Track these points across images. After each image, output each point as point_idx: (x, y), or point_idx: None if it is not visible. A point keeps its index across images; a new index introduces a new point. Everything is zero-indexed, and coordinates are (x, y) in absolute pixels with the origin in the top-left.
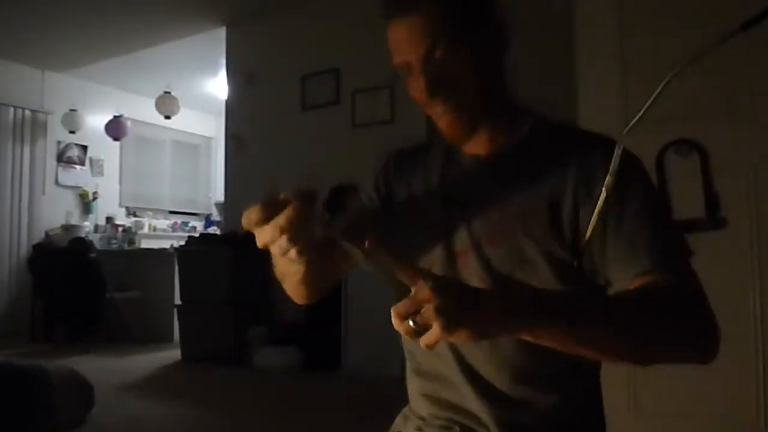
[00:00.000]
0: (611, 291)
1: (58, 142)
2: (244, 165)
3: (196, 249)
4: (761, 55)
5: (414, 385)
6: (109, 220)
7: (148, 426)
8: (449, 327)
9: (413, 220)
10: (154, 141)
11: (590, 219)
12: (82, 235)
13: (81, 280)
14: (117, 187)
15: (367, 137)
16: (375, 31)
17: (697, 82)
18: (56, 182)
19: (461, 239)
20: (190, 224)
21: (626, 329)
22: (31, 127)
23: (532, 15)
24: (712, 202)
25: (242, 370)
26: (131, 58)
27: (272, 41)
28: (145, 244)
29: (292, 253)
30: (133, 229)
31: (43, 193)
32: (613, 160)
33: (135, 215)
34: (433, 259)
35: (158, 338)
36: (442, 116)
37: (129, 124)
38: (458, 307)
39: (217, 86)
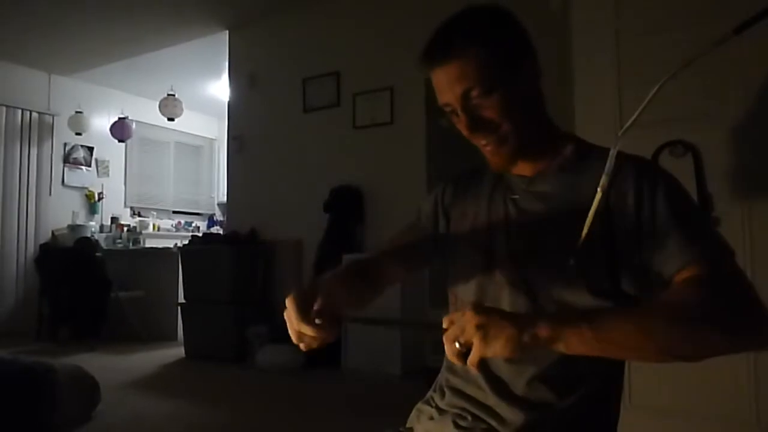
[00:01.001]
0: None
1: (65, 144)
2: (246, 166)
3: (199, 248)
4: (754, 57)
5: (442, 378)
6: (114, 220)
7: (151, 422)
8: (487, 340)
9: (463, 240)
10: (158, 142)
11: (630, 234)
12: (88, 234)
13: (86, 279)
14: (122, 187)
15: (367, 139)
16: (375, 35)
17: (691, 84)
18: (63, 183)
19: (501, 250)
20: (193, 224)
21: (654, 326)
22: (38, 129)
23: (528, 16)
24: (705, 202)
25: (244, 369)
26: (136, 61)
27: (274, 44)
28: (149, 243)
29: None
30: (138, 229)
31: (50, 193)
32: (609, 160)
33: (139, 215)
34: (474, 268)
35: (162, 337)
36: (485, 148)
37: (133, 126)
38: (494, 323)
39: (220, 89)
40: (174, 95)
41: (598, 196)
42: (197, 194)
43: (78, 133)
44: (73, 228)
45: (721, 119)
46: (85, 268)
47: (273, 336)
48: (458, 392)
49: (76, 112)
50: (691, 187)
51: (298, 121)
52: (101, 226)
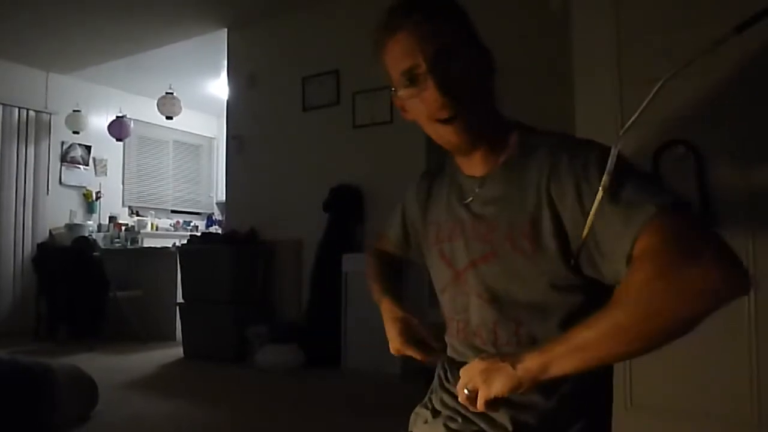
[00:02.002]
0: (616, 280)
1: (62, 143)
2: (245, 165)
3: (197, 248)
4: (755, 56)
5: (437, 381)
6: (112, 219)
7: (150, 423)
8: (488, 383)
9: (430, 244)
10: (156, 141)
11: (577, 221)
12: (86, 234)
13: (84, 279)
14: (120, 186)
15: (367, 138)
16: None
17: (692, 84)
18: (60, 182)
19: (461, 259)
20: (192, 223)
21: (629, 323)
22: (36, 127)
23: (528, 16)
24: (706, 201)
25: (243, 368)
26: (134, 59)
27: (273, 43)
28: (147, 243)
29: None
30: (136, 228)
31: (48, 192)
32: (609, 159)
33: (138, 214)
34: (444, 279)
35: (160, 336)
36: (448, 124)
37: (132, 124)
38: (494, 366)
39: (219, 87)
40: (173, 94)
41: (599, 195)
42: (196, 193)
43: (76, 132)
44: (71, 227)
45: (721, 119)
46: (83, 268)
47: (273, 336)
48: (450, 394)
49: (74, 110)
50: (692, 187)
51: (298, 120)
52: (99, 226)
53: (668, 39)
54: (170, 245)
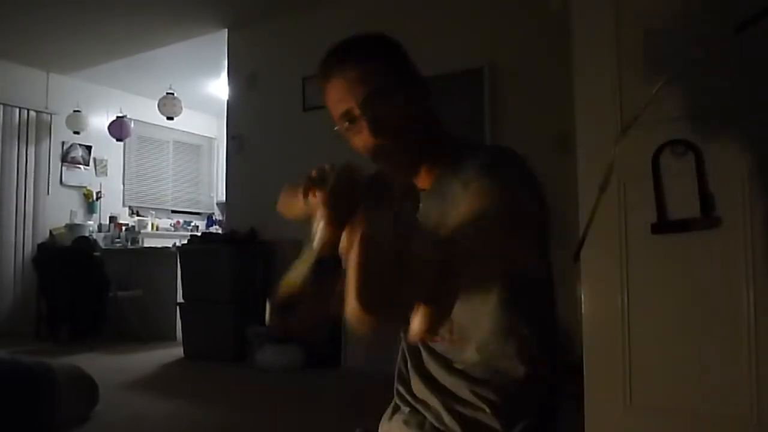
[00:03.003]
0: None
1: (63, 143)
2: (245, 165)
3: (198, 248)
4: (755, 55)
5: (396, 385)
6: (112, 219)
7: (150, 422)
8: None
9: None
10: (156, 141)
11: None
12: (86, 234)
13: (85, 279)
14: (120, 186)
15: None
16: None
17: (692, 83)
18: (61, 182)
19: None
20: (192, 223)
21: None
22: (36, 127)
23: (528, 16)
24: (706, 201)
25: (243, 368)
26: (134, 60)
27: (273, 43)
28: (147, 243)
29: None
30: (136, 228)
31: (48, 192)
32: (608, 168)
33: (138, 214)
34: None
35: (161, 336)
36: (386, 159)
37: (132, 124)
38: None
39: (219, 87)
40: (173, 94)
41: (598, 196)
42: (196, 193)
43: (76, 132)
44: (72, 227)
45: (721, 119)
46: (84, 268)
47: (273, 336)
48: (404, 393)
49: (75, 110)
50: (692, 187)
51: (298, 120)
52: (99, 226)
53: (668, 39)
54: (170, 245)
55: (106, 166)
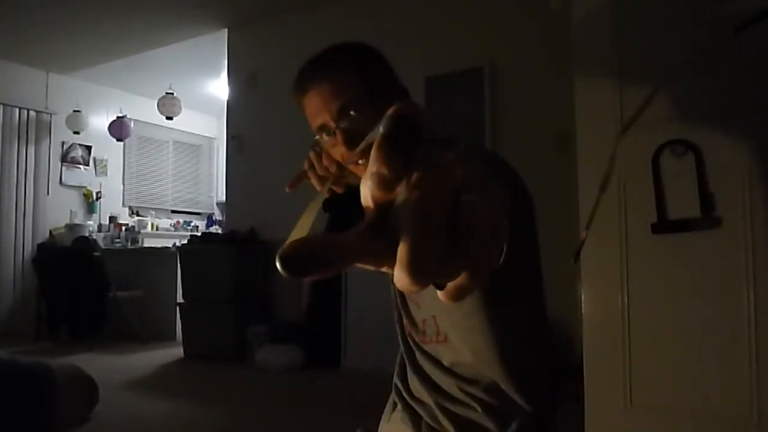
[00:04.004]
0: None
1: (63, 143)
2: (245, 165)
3: (197, 248)
4: (755, 55)
5: (395, 382)
6: (112, 219)
7: (150, 422)
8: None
9: None
10: (156, 141)
11: None
12: (86, 234)
13: (85, 279)
14: (120, 186)
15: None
16: (374, 34)
17: (692, 83)
18: (60, 182)
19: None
20: (192, 223)
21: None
22: (36, 127)
23: (528, 16)
24: (706, 201)
25: (243, 368)
26: (134, 59)
27: (273, 43)
28: (147, 243)
29: None
30: (136, 229)
31: (48, 192)
32: (608, 162)
33: (138, 214)
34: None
35: (160, 336)
36: (362, 172)
37: (132, 124)
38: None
39: (219, 87)
40: (173, 94)
41: (598, 196)
42: (196, 193)
43: (76, 132)
44: (71, 227)
45: (721, 119)
46: (84, 268)
47: (273, 336)
48: (405, 390)
49: (74, 110)
50: (692, 186)
51: (298, 120)
52: (99, 226)
53: (668, 39)
54: (170, 245)
55: (106, 166)
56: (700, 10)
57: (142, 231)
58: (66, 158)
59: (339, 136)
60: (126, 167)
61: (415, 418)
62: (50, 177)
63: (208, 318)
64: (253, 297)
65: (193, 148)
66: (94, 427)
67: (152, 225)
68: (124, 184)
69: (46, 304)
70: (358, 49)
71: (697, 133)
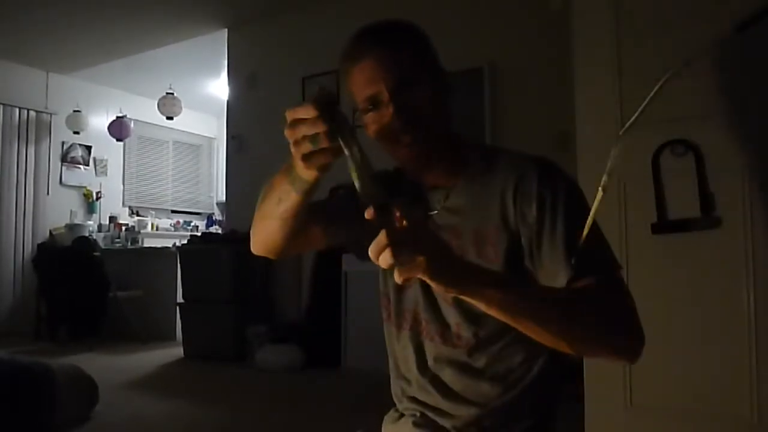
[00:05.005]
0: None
1: (63, 143)
2: (245, 165)
3: (197, 248)
4: (755, 55)
5: (398, 387)
6: (112, 219)
7: (150, 422)
8: (431, 271)
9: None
10: (156, 141)
11: (530, 237)
12: (86, 234)
13: (85, 279)
14: (120, 186)
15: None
16: None
17: (692, 83)
18: (60, 182)
19: None
20: (192, 223)
21: (554, 308)
22: (36, 127)
23: (528, 16)
24: (706, 201)
25: (243, 368)
26: (134, 59)
27: (273, 43)
28: (147, 243)
29: (323, 139)
30: (136, 228)
31: (48, 192)
32: (609, 160)
33: (138, 214)
34: (410, 290)
35: (161, 336)
36: (405, 149)
37: (132, 124)
38: (443, 255)
39: (219, 87)
40: (173, 94)
41: (599, 196)
42: (196, 193)
43: (76, 132)
44: (71, 227)
45: (722, 118)
46: (83, 268)
47: (273, 336)
48: (413, 399)
49: (74, 110)
50: (692, 186)
51: None
52: (99, 226)
53: (668, 39)
54: (170, 245)
55: (106, 166)
56: (700, 10)
57: (142, 231)
58: (66, 158)
59: (392, 109)
60: (126, 167)
61: (424, 420)
62: (50, 177)
63: (208, 318)
64: (253, 297)
65: (193, 148)
66: (94, 427)
67: (152, 225)
68: (124, 184)
69: (46, 304)
70: (415, 28)
71: (697, 133)
